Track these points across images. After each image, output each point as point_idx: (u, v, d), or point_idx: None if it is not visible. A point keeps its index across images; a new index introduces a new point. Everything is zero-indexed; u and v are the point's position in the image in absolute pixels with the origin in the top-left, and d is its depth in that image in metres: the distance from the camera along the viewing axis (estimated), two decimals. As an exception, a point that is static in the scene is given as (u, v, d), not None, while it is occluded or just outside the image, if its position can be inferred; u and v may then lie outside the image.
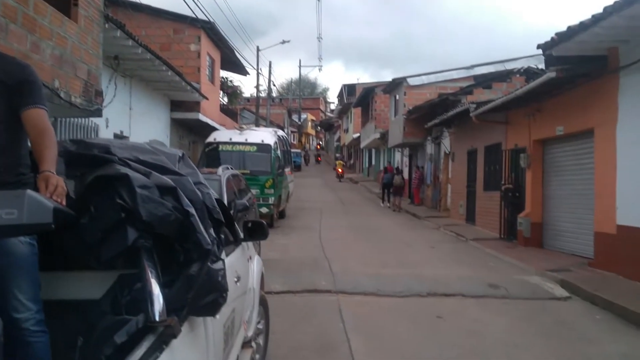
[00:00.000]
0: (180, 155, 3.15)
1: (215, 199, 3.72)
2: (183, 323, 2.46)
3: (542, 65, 14.41)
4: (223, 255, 3.66)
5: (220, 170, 9.08)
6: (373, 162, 39.54)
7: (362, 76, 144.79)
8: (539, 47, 9.52)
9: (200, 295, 2.55)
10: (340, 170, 39.03)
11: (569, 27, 8.54)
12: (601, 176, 9.82)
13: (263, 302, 5.11)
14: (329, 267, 9.91)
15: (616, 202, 9.23)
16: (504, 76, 19.09)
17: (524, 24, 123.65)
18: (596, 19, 7.85)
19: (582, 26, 8.21)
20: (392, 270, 9.84)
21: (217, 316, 3.06)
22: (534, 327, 6.72)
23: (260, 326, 5.03)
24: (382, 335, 6.19)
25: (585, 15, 8.08)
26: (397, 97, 25.70)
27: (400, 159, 30.41)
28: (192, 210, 2.55)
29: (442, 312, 7.21)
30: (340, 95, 54.52)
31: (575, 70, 9.83)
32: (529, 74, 16.98)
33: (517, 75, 18.41)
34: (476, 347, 5.86)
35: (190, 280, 2.47)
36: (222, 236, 3.26)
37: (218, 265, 2.69)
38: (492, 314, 7.25)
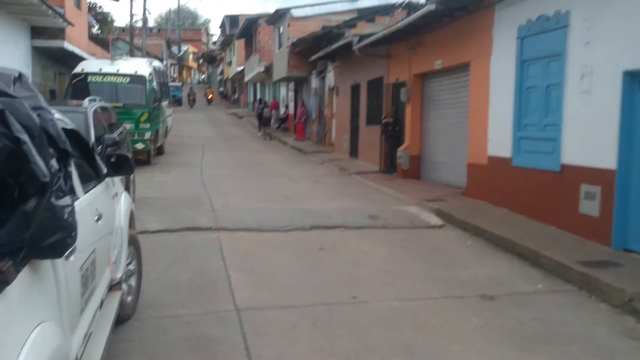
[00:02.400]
0: (17, 75, 2.66)
1: (67, 129, 3.28)
2: (21, 267, 2.12)
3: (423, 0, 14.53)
4: (80, 192, 3.29)
5: (86, 102, 8.35)
6: (258, 97, 38.87)
7: (249, 7, 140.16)
8: (420, -22, 9.48)
9: (42, 235, 2.21)
10: (210, 96, 48.81)
11: (449, -42, 8.52)
12: (475, 109, 10.19)
13: (134, 242, 4.76)
14: (210, 204, 9.60)
15: (488, 133, 9.65)
16: (387, 9, 19.11)
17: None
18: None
19: (462, -43, 8.21)
20: (276, 205, 9.74)
21: (72, 258, 2.74)
22: (411, 254, 6.95)
23: (131, 267, 4.71)
24: (263, 270, 6.08)
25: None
26: (281, 29, 25.07)
27: (285, 93, 30.11)
28: (25, 137, 2.14)
29: (324, 244, 7.23)
30: (222, 27, 52.43)
31: (454, 3, 9.94)
32: (411, 7, 17.10)
33: (400, 9, 18.50)
34: (356, 276, 5.94)
35: (27, 218, 2.10)
36: (71, 169, 2.86)
37: (64, 201, 2.34)
38: (372, 244, 7.39)
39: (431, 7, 9.68)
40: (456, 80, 11.38)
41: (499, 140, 9.24)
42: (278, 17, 25.28)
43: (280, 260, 6.53)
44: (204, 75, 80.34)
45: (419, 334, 4.47)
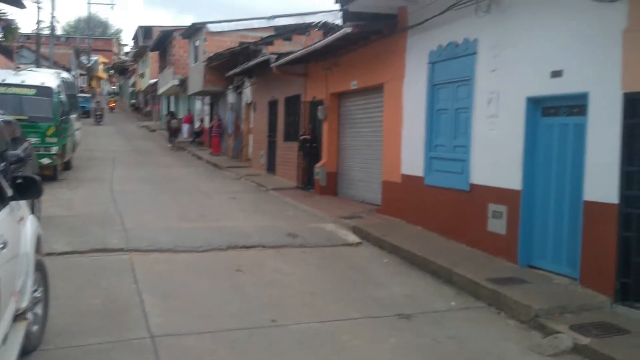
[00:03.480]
0: None
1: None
2: None
3: (339, 21, 14.85)
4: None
5: (-13, 115, 7.81)
6: (172, 110, 38.10)
7: (164, 19, 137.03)
8: (337, 0, 9.67)
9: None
10: (112, 105, 52.69)
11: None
12: (389, 129, 10.48)
13: (40, 268, 4.48)
14: (121, 223, 9.24)
15: (401, 153, 9.94)
16: (304, 29, 19.36)
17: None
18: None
19: (377, -17, 8.47)
20: (191, 224, 9.53)
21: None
22: (329, 273, 7.00)
23: (37, 294, 4.43)
24: (179, 294, 5.91)
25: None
26: (197, 43, 24.71)
27: (201, 107, 29.66)
28: None
29: (242, 265, 7.14)
30: (135, 38, 50.99)
31: (369, 27, 10.22)
32: (327, 28, 17.42)
33: (316, 29, 18.80)
34: (275, 297, 5.90)
35: None
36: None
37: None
38: (290, 263, 7.39)
39: (347, 30, 9.91)
40: (371, 100, 11.66)
41: (412, 160, 9.54)
42: (194, 31, 24.92)
43: (196, 282, 6.37)
44: (114, 87, 77.59)
45: (339, 356, 4.50)
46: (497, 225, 7.39)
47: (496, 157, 7.47)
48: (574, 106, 6.39)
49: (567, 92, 6.34)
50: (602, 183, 5.76)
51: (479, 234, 7.71)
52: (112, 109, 50.83)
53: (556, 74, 6.45)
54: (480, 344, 4.83)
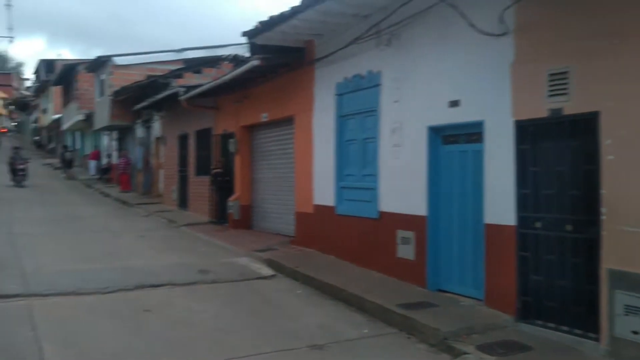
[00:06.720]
0: None
1: None
2: None
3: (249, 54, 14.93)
4: None
5: None
6: (78, 146, 36.65)
7: (71, 54, 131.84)
8: (244, 34, 9.71)
9: None
10: (3, 130, 55.72)
11: (270, 17, 8.87)
12: (300, 160, 10.56)
13: None
14: (19, 267, 8.63)
15: (313, 183, 10.03)
16: (214, 62, 19.25)
17: (239, 10, 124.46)
18: (294, 11, 8.29)
19: (282, 17, 8.60)
20: (96, 265, 9.06)
21: None
22: (242, 309, 6.86)
23: None
24: (82, 340, 5.56)
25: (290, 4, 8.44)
26: (103, 76, 24.02)
27: (108, 142, 28.70)
28: None
29: (150, 305, 6.85)
30: (37, 72, 48.84)
31: (277, 60, 10.33)
32: (237, 61, 17.41)
33: (226, 62, 18.76)
34: (185, 337, 5.69)
35: None
36: None
37: None
38: (201, 300, 7.18)
39: (255, 62, 9.98)
40: (283, 132, 11.72)
41: (323, 190, 9.64)
42: (99, 64, 24.22)
43: (100, 326, 6.03)
44: (14, 122, 73.51)
45: (250, 393, 4.38)
46: (406, 251, 7.56)
47: (402, 184, 7.68)
48: (472, 134, 6.71)
49: (465, 121, 6.65)
50: (500, 206, 6.05)
51: (389, 261, 7.85)
52: (2, 133, 53.99)
53: (454, 103, 6.77)
54: (392, 370, 4.87)
